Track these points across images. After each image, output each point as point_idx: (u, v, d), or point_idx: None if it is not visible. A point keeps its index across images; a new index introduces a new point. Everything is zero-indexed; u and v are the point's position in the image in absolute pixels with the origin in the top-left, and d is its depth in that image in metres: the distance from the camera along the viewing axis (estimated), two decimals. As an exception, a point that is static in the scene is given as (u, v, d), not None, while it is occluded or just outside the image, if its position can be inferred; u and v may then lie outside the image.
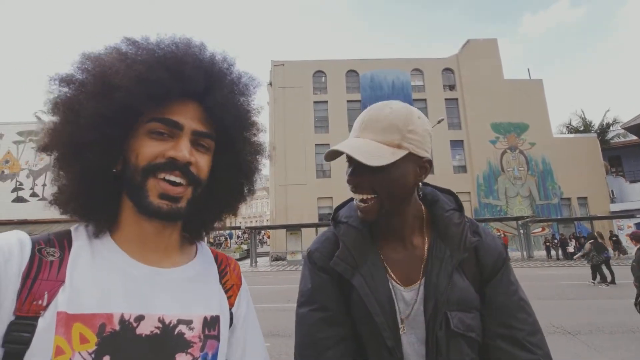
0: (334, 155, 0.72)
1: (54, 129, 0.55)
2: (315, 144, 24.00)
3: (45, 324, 0.45)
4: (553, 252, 18.80)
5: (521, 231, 19.58)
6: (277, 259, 21.63)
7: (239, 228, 28.65)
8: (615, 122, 27.40)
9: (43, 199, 22.36)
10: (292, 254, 20.27)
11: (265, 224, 30.37)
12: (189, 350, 0.55)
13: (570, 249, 17.84)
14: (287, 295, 8.95)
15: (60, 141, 0.54)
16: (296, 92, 24.64)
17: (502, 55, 26.21)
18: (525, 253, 18.92)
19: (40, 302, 0.46)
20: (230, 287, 0.69)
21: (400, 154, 0.69)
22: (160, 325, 0.53)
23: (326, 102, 24.94)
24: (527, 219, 19.80)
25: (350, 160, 0.72)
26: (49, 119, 0.57)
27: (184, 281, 0.60)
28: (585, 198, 23.82)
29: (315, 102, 24.95)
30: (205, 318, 0.59)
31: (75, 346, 0.46)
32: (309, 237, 19.96)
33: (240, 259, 24.35)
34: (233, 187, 0.69)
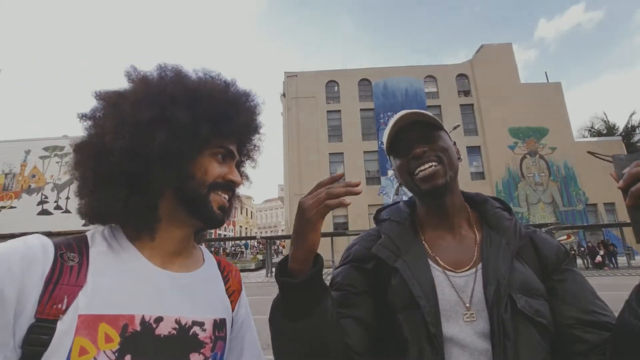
0: (403, 120, 0.78)
1: (135, 142, 0.59)
2: (329, 153, 24.05)
3: (64, 327, 0.47)
4: (580, 261, 17.99)
5: (544, 239, 18.80)
6: (292, 269, 21.48)
7: (254, 238, 28.84)
8: (641, 124, 26.35)
9: (67, 211, 23.21)
10: (308, 263, 20.11)
11: (280, 233, 30.39)
12: (202, 351, 0.59)
13: (599, 258, 17.03)
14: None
15: (144, 154, 0.59)
16: (309, 102, 24.86)
17: (517, 60, 25.77)
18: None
19: (60, 305, 0.48)
20: (232, 292, 0.73)
21: (443, 127, 0.80)
22: (177, 326, 0.57)
23: (339, 111, 25.04)
24: (550, 226, 19.08)
25: (404, 140, 0.79)
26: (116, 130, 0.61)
27: (196, 285, 0.65)
28: (612, 204, 22.80)
29: (328, 111, 25.09)
30: (215, 320, 0.64)
31: (100, 345, 0.48)
32: (324, 247, 19.84)
33: (255, 269, 24.41)
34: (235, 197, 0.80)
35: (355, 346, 0.68)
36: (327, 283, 0.72)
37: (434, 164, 0.75)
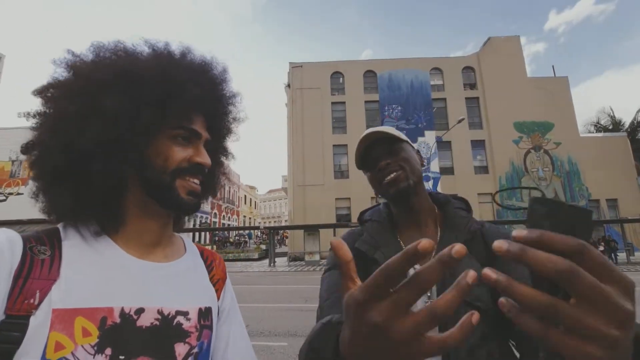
0: (368, 139, 0.90)
1: (72, 121, 0.55)
2: (333, 145, 24.07)
3: (38, 322, 0.46)
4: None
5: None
6: (295, 259, 21.82)
7: (257, 228, 29.10)
8: (648, 120, 26.10)
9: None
10: (310, 254, 20.41)
11: (283, 224, 30.61)
12: (187, 340, 0.58)
13: (599, 253, 17.12)
14: (304, 295, 9.05)
15: (86, 138, 0.55)
16: (314, 94, 24.80)
17: (526, 52, 25.44)
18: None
19: (32, 300, 0.46)
20: (217, 281, 0.72)
21: (404, 138, 0.92)
22: (159, 316, 0.56)
23: (344, 102, 24.97)
24: (552, 222, 19.08)
25: (371, 155, 0.91)
26: (58, 104, 0.58)
27: (178, 274, 0.63)
28: (615, 200, 22.80)
29: (333, 102, 25.03)
30: (200, 309, 0.62)
31: (77, 339, 0.47)
32: (327, 238, 20.01)
33: (259, 259, 24.73)
34: (215, 182, 0.78)
35: None
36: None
37: (396, 172, 0.87)
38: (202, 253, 0.75)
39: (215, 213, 34.44)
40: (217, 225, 33.65)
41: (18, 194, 24.11)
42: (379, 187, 0.90)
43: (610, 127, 28.10)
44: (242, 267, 19.15)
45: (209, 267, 0.73)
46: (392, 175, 0.87)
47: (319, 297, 0.86)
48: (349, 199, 22.48)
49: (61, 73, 0.60)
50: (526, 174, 23.18)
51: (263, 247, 27.63)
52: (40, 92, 0.60)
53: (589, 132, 28.08)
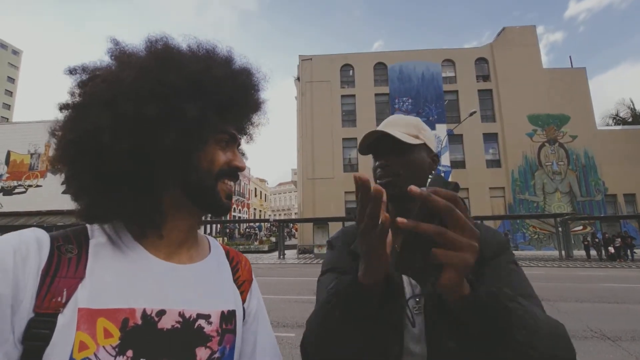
0: (369, 137, 0.86)
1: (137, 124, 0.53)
2: (343, 138, 23.99)
3: (65, 321, 0.46)
4: (593, 252, 17.75)
5: (559, 229, 18.62)
6: (304, 251, 22.02)
7: (267, 221, 29.38)
8: (670, 112, 25.13)
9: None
10: (320, 247, 20.53)
11: (293, 217, 30.83)
12: (208, 344, 0.56)
13: (612, 250, 16.75)
14: (313, 287, 8.97)
15: (152, 142, 0.54)
16: (324, 86, 24.69)
17: (544, 42, 24.70)
18: (563, 252, 18.00)
19: (59, 299, 0.47)
20: (242, 282, 0.71)
21: (419, 142, 0.86)
22: (180, 319, 0.55)
23: (354, 95, 24.80)
24: (566, 217, 18.76)
25: (378, 148, 0.88)
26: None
27: (201, 276, 0.62)
28: (633, 195, 22.16)
29: (342, 95, 24.89)
30: (223, 312, 0.61)
31: (99, 340, 0.47)
32: (336, 231, 19.85)
33: (268, 251, 25.02)
34: None
35: None
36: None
37: (387, 179, 0.84)
38: (228, 253, 0.74)
39: (226, 206, 34.71)
40: (227, 218, 34.10)
41: (37, 186, 24.86)
42: (374, 181, 0.89)
43: (630, 120, 27.18)
44: (252, 260, 19.41)
45: (234, 269, 0.72)
46: (383, 179, 0.85)
47: (316, 300, 0.83)
48: (359, 192, 22.36)
49: (122, 71, 0.56)
50: (540, 168, 22.71)
51: (273, 239, 27.93)
52: (88, 84, 0.57)
53: (607, 124, 27.26)
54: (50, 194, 24.06)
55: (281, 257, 20.04)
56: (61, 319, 0.46)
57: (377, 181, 0.87)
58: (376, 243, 0.49)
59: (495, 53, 24.43)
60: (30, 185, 25.02)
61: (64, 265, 0.50)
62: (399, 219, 0.45)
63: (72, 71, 0.59)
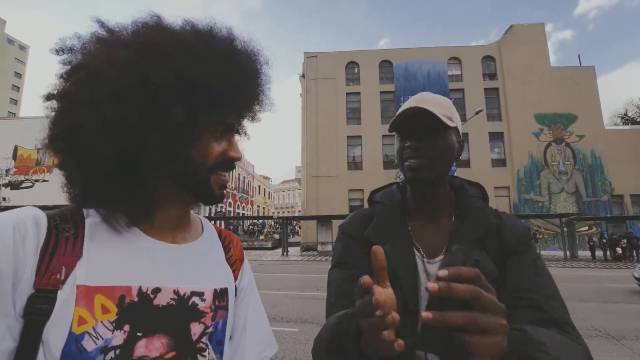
0: (405, 113, 0.79)
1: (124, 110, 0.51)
2: (347, 136, 23.96)
3: (65, 297, 0.48)
4: (599, 253, 17.62)
5: (565, 229, 18.49)
6: (307, 249, 22.08)
7: (271, 218, 29.46)
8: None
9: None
10: (323, 244, 20.58)
11: (296, 214, 30.91)
12: (202, 320, 0.59)
13: (619, 250, 16.61)
14: (316, 284, 9.19)
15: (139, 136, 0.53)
16: (329, 84, 24.64)
17: (552, 40, 24.44)
18: (568, 252, 17.89)
19: (58, 276, 0.48)
20: (234, 261, 0.73)
21: (453, 125, 0.79)
22: (175, 297, 0.57)
23: (359, 93, 24.73)
24: (571, 217, 18.62)
25: (410, 126, 0.80)
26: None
27: (195, 256, 0.64)
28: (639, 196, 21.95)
29: (347, 93, 24.82)
30: (215, 290, 0.63)
31: (97, 316, 0.49)
32: (347, 216, 19.83)
33: (272, 248, 25.11)
34: None
35: None
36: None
37: (420, 160, 0.79)
38: (220, 234, 0.76)
39: (230, 202, 35.04)
40: (231, 214, 34.26)
41: (44, 180, 25.14)
42: (401, 163, 0.83)
43: (639, 120, 26.82)
44: (256, 256, 19.52)
45: (227, 248, 0.74)
46: (414, 161, 0.80)
47: (327, 294, 0.84)
48: (362, 190, 22.42)
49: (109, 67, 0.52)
50: (546, 168, 22.54)
51: (276, 236, 28.00)
52: (71, 77, 0.56)
53: (615, 124, 26.93)
54: (57, 188, 24.04)
55: (284, 254, 20.11)
56: (61, 295, 0.47)
57: (405, 163, 0.81)
58: (380, 337, 0.47)
59: (503, 51, 24.21)
60: (37, 180, 25.31)
61: (62, 244, 0.51)
62: (424, 314, 0.43)
63: (58, 51, 0.57)
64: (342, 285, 0.81)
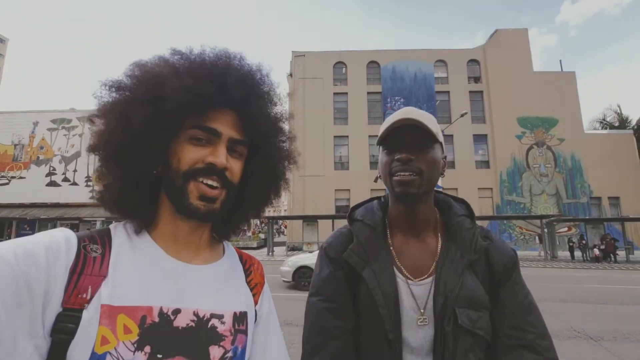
0: (395, 124, 0.77)
1: (104, 131, 0.59)
2: (334, 136, 23.93)
3: (89, 316, 0.49)
4: (578, 254, 18.09)
5: (545, 230, 18.92)
6: (293, 249, 21.90)
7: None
8: (654, 118, 25.72)
9: (74, 183, 23.54)
10: (309, 244, 20.48)
11: (282, 214, 30.75)
12: (221, 343, 0.58)
13: (596, 251, 17.10)
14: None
15: (110, 143, 0.58)
16: (316, 83, 24.55)
17: (536, 45, 25.11)
18: (548, 253, 18.31)
19: (84, 295, 0.50)
20: (255, 285, 0.73)
21: (440, 139, 0.80)
22: (195, 318, 0.57)
23: (346, 93, 24.73)
24: (552, 218, 19.08)
25: (399, 139, 0.78)
26: (97, 120, 0.61)
27: (215, 278, 0.64)
28: (617, 198, 22.67)
29: (335, 93, 24.78)
30: (235, 313, 0.63)
31: (119, 336, 0.49)
32: (326, 229, 20.11)
33: (257, 248, 24.86)
34: (261, 192, 0.72)
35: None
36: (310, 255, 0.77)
37: (413, 174, 0.76)
38: (241, 257, 0.76)
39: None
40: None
41: (20, 177, 24.18)
42: (389, 177, 0.79)
43: (617, 125, 27.76)
44: (241, 256, 19.18)
45: (247, 271, 0.73)
46: (405, 175, 0.76)
47: (305, 330, 0.81)
48: (349, 190, 22.45)
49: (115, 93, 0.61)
50: (527, 170, 23.05)
51: (262, 236, 27.77)
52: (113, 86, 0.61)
53: (594, 128, 27.77)
54: (34, 186, 23.48)
55: (270, 253, 19.91)
56: (85, 315, 0.49)
57: (394, 177, 0.78)
58: None
59: (487, 55, 24.64)
60: (13, 177, 24.34)
61: (89, 264, 0.53)
62: None
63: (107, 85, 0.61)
64: (324, 323, 0.79)
